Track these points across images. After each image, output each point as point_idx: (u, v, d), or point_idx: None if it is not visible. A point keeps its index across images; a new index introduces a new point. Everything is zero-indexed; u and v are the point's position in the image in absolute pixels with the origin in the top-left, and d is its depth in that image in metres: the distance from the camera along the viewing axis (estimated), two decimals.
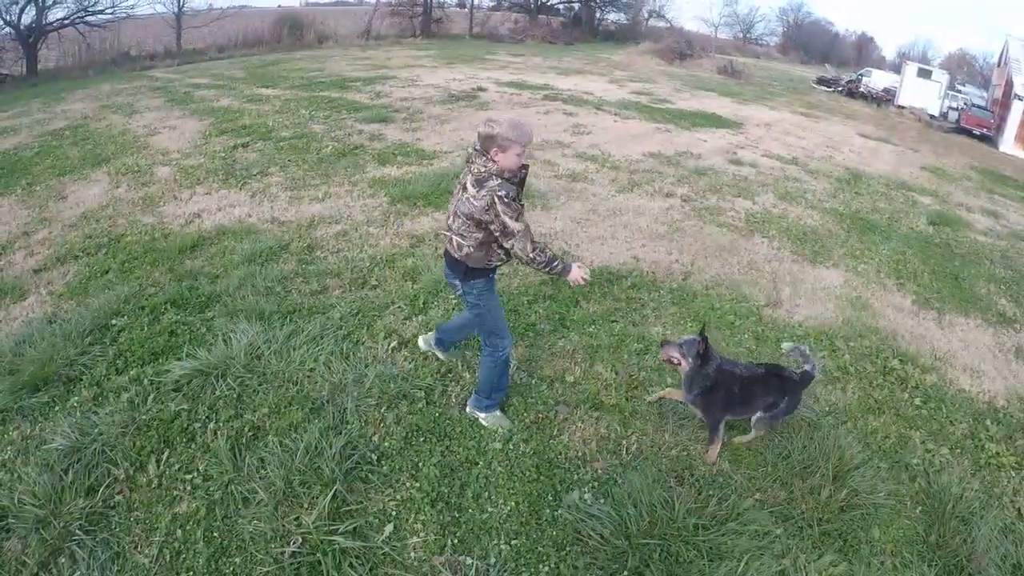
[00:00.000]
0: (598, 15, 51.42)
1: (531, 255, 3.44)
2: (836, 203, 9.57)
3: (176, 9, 33.59)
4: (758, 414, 3.91)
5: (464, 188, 3.50)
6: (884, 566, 3.37)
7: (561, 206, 8.06)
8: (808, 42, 62.35)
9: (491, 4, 50.75)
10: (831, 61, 49.75)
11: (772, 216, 8.42)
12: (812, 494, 3.67)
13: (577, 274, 3.61)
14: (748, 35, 65.61)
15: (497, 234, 3.43)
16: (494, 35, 42.15)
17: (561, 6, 51.78)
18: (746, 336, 5.33)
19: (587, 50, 36.28)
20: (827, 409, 4.50)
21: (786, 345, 4.48)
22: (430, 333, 4.71)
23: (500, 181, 3.36)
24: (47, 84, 23.07)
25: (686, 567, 3.15)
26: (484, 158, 3.40)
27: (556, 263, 3.51)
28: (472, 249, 3.53)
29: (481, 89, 16.89)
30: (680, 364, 3.77)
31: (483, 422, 4.08)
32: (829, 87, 34.39)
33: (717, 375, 3.75)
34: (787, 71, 35.29)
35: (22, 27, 27.68)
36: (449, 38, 39.43)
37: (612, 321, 5.38)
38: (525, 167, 3.54)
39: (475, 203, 3.39)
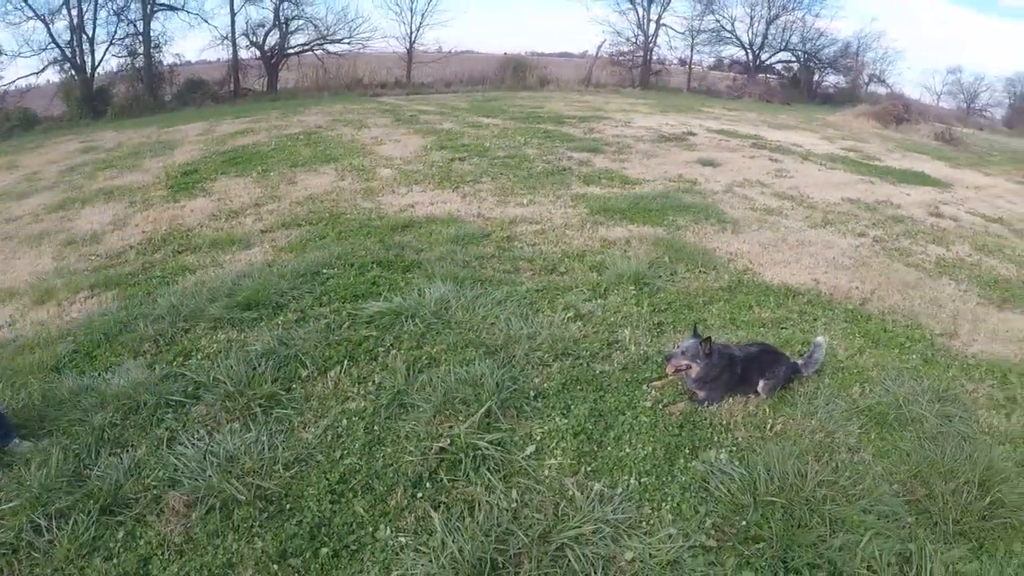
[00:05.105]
0: (816, 77, 49.42)
1: None
2: None
3: (408, 45, 37.16)
4: (760, 383, 4.06)
5: None
6: None
7: (752, 232, 7.87)
8: None
9: (711, 62, 50.62)
10: None
11: (965, 263, 7.61)
12: (953, 495, 3.27)
13: None
14: (972, 105, 59.58)
15: None
16: (712, 91, 41.93)
17: (780, 65, 50.49)
18: (914, 356, 4.88)
19: (803, 111, 34.65)
20: (986, 429, 4.03)
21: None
22: None
23: None
24: (285, 100, 26.66)
25: (805, 531, 2.97)
26: None
27: None
28: None
29: (691, 133, 16.85)
30: (690, 368, 3.86)
31: None
32: None
33: (721, 362, 3.89)
34: (1008, 143, 31.46)
35: (266, 49, 32.05)
36: (667, 91, 39.72)
37: (782, 328, 5.20)
38: None
39: None
